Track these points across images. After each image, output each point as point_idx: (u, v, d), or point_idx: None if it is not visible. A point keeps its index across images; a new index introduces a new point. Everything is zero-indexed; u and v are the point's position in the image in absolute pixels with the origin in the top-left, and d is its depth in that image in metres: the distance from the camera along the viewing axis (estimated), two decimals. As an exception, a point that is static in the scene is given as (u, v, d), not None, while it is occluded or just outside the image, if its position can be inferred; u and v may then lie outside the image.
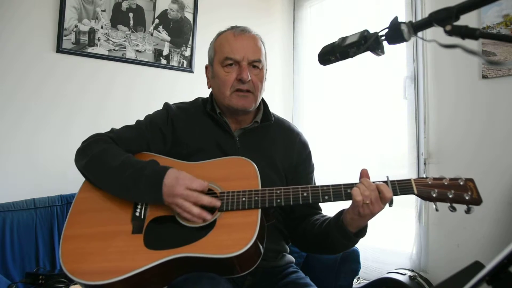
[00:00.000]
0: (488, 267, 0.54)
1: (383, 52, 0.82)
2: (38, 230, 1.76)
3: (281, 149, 1.36)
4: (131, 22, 2.41)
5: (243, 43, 1.28)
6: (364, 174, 1.08)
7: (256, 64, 1.29)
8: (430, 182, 1.04)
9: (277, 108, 2.89)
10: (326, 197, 1.08)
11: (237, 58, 1.26)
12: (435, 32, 0.71)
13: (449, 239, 2.01)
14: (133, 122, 1.38)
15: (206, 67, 1.40)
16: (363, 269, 1.89)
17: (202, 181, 1.09)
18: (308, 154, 1.42)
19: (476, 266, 0.87)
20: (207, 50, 1.41)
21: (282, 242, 1.35)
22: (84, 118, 2.22)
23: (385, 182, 1.06)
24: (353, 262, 1.64)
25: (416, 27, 0.75)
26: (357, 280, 2.20)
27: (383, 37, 0.79)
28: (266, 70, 1.37)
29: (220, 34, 1.35)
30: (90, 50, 2.26)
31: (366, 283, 2.04)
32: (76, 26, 2.22)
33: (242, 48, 1.27)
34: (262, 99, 1.41)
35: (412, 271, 2.05)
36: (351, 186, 1.07)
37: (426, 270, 2.08)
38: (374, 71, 2.46)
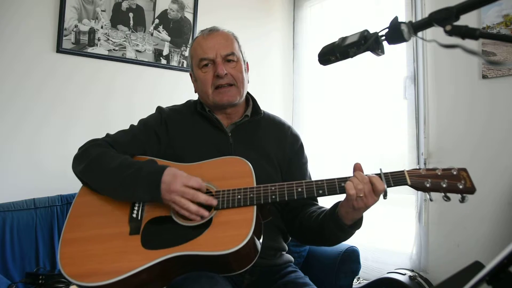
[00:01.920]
0: (488, 267, 0.54)
1: (383, 52, 0.82)
2: (38, 230, 1.76)
3: (273, 142, 1.38)
4: (131, 22, 2.41)
5: (212, 41, 1.33)
6: (357, 167, 1.09)
7: (230, 58, 1.33)
8: (423, 173, 1.04)
9: (277, 108, 2.90)
10: (321, 192, 1.09)
11: (210, 57, 1.31)
12: (435, 32, 0.71)
13: (449, 239, 2.01)
14: (133, 122, 1.39)
15: (190, 75, 1.44)
16: (363, 269, 1.89)
17: (199, 179, 1.10)
18: (301, 146, 1.45)
19: (476, 266, 0.87)
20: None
21: (280, 239, 1.36)
22: (85, 119, 2.22)
23: (378, 174, 1.06)
24: (353, 262, 1.64)
25: (416, 27, 0.75)
26: (357, 280, 2.20)
27: (383, 37, 0.79)
28: (244, 61, 1.41)
29: (193, 40, 1.41)
30: (90, 50, 2.26)
31: (366, 283, 2.04)
32: (76, 26, 2.22)
33: (212, 47, 1.32)
34: (251, 95, 1.44)
35: (412, 271, 2.05)
36: (345, 180, 1.08)
37: (426, 270, 2.08)
38: (374, 71, 2.46)
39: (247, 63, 1.44)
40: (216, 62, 1.31)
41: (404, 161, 2.24)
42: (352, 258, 1.64)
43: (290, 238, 1.42)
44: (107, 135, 1.34)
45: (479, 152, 1.92)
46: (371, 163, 2.42)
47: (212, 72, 1.31)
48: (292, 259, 1.41)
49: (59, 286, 1.49)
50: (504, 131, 1.85)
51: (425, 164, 2.13)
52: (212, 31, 1.36)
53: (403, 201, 2.21)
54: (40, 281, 1.51)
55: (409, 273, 1.99)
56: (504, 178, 1.83)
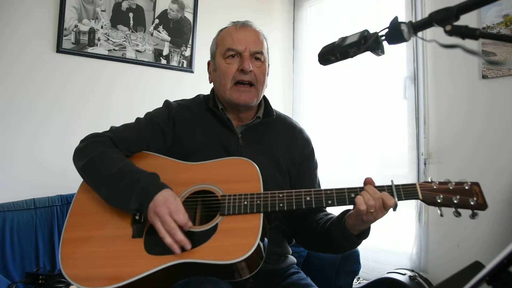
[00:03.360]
0: (488, 267, 0.54)
1: (383, 52, 0.82)
2: (38, 230, 1.76)
3: (283, 146, 1.34)
4: (131, 22, 2.41)
5: (245, 34, 1.29)
6: (368, 181, 1.06)
7: (258, 56, 1.29)
8: (435, 187, 1.02)
9: (277, 108, 2.88)
10: (329, 202, 1.06)
11: (238, 49, 1.26)
12: (435, 32, 0.71)
13: (449, 239, 2.01)
14: (133, 121, 1.37)
15: (208, 63, 1.40)
16: (363, 269, 1.89)
17: (187, 219, 1.03)
18: (311, 151, 1.41)
19: (476, 266, 0.87)
20: (207, 50, 1.41)
21: (285, 243, 1.34)
22: (85, 119, 2.22)
23: (390, 186, 1.04)
24: (353, 262, 1.64)
25: (416, 27, 0.75)
26: (357, 280, 2.20)
27: (383, 37, 0.79)
28: (268, 65, 1.37)
29: (222, 30, 1.37)
30: (90, 50, 2.26)
31: (366, 283, 2.04)
32: (76, 26, 2.22)
33: (244, 39, 1.27)
34: (263, 95, 1.39)
35: (412, 271, 2.05)
36: (355, 190, 1.05)
37: (426, 270, 2.08)
38: (374, 71, 2.46)
39: (269, 66, 1.39)
40: (243, 56, 1.26)
41: (404, 161, 2.24)
42: (352, 258, 1.64)
43: (295, 242, 1.40)
44: (111, 129, 1.30)
45: (479, 151, 1.92)
46: (371, 163, 2.42)
47: (236, 65, 1.26)
48: (295, 260, 1.39)
49: (59, 286, 1.49)
50: (504, 131, 1.85)
51: (425, 164, 2.13)
52: (245, 25, 1.31)
53: (403, 201, 2.20)
54: (40, 281, 1.51)
55: (409, 273, 1.99)
56: (504, 178, 1.83)
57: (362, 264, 1.69)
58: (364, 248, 2.10)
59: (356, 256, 1.65)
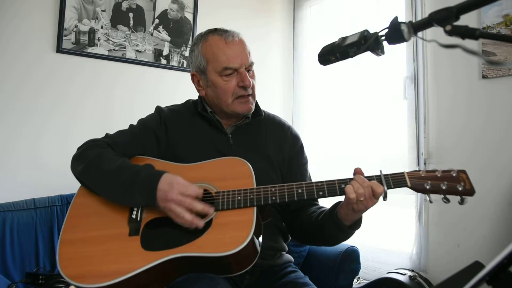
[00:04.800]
0: (488, 267, 0.54)
1: (383, 52, 0.82)
2: (38, 230, 1.77)
3: (273, 144, 1.37)
4: (131, 22, 2.41)
5: (236, 49, 1.27)
6: (357, 171, 1.09)
7: (250, 68, 1.32)
8: (423, 175, 1.05)
9: (277, 109, 2.90)
10: (321, 193, 1.09)
11: (235, 67, 1.27)
12: (435, 32, 0.71)
13: (449, 239, 2.01)
14: (134, 122, 1.39)
15: (193, 75, 1.36)
16: (363, 269, 1.89)
17: (197, 187, 1.09)
18: (301, 147, 1.44)
19: (476, 266, 0.87)
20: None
21: (280, 240, 1.36)
22: (86, 118, 2.22)
23: (379, 176, 1.07)
24: (353, 262, 1.64)
25: (416, 27, 0.75)
26: (357, 280, 2.20)
27: (383, 37, 0.79)
28: None
29: (205, 40, 1.30)
30: (90, 50, 2.26)
31: (366, 283, 2.04)
32: (76, 26, 2.22)
33: (238, 56, 1.27)
34: None
35: (412, 271, 2.05)
36: (345, 181, 1.08)
37: (426, 270, 2.07)
38: (374, 71, 2.46)
39: None
40: (240, 72, 1.26)
41: (404, 161, 2.24)
42: (352, 258, 1.64)
43: (290, 238, 1.42)
44: (106, 135, 1.33)
45: (479, 152, 1.92)
46: (371, 163, 2.42)
47: (235, 81, 1.26)
48: (292, 259, 1.41)
49: (59, 286, 1.49)
50: (504, 131, 1.85)
51: (425, 164, 2.13)
52: (234, 37, 1.29)
53: (403, 201, 2.21)
54: (40, 281, 1.51)
55: (409, 273, 1.99)
56: (504, 178, 1.83)
57: (362, 264, 1.69)
58: (364, 248, 2.10)
59: (356, 256, 1.65)
